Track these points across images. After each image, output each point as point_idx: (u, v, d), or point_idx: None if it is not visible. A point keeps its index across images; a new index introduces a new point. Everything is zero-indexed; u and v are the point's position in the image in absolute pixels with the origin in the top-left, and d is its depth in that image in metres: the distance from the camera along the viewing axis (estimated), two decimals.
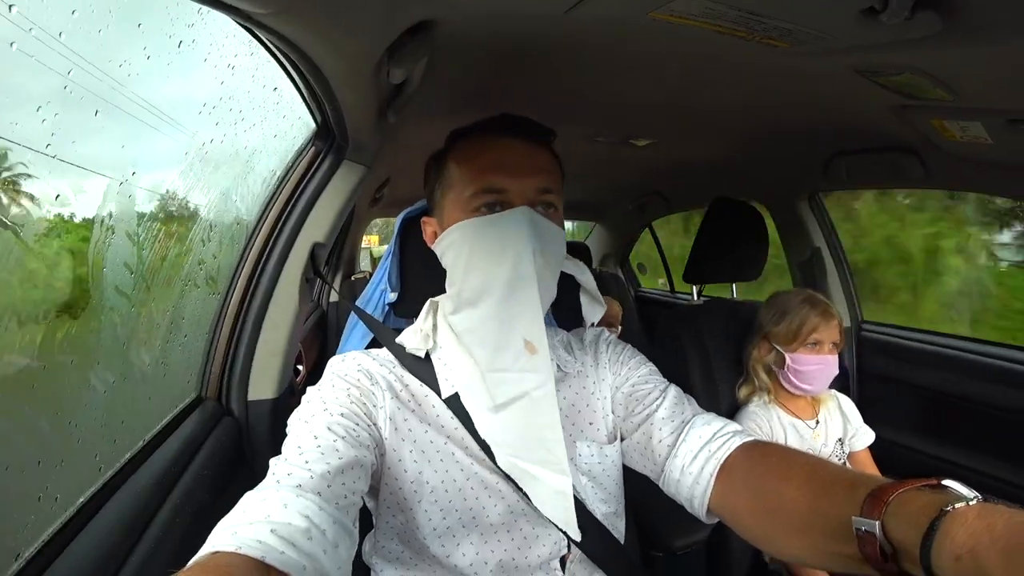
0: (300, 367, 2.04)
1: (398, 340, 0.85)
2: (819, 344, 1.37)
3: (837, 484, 0.58)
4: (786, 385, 1.40)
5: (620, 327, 2.45)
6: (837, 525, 0.53)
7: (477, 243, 0.76)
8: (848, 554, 0.51)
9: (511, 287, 0.74)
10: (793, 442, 1.40)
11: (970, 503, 0.43)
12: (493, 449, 0.76)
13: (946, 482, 0.47)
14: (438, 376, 0.81)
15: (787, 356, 1.37)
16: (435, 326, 0.85)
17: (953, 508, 0.43)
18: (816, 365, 1.37)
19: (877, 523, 0.48)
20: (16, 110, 0.57)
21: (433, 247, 0.84)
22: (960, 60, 0.79)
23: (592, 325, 0.95)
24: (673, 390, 0.86)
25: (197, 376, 1.18)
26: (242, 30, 0.63)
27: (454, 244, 0.78)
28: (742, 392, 1.49)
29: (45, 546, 0.63)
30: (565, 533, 0.77)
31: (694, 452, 0.75)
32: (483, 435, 0.77)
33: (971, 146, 1.21)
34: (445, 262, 0.82)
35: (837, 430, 1.47)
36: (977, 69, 0.82)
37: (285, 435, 0.68)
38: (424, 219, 0.87)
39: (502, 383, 0.76)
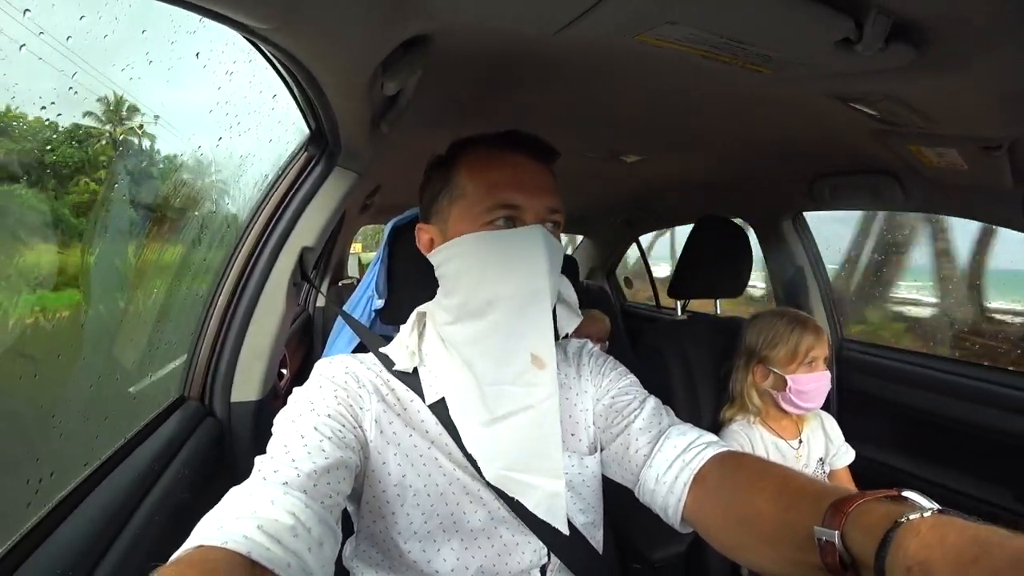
0: (284, 371, 2.04)
1: (385, 351, 0.84)
2: (815, 361, 1.39)
3: (805, 495, 0.59)
4: (786, 406, 1.41)
5: (608, 342, 2.46)
6: (802, 535, 0.54)
7: (490, 257, 0.77)
8: (813, 563, 0.52)
9: (524, 302, 0.76)
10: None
11: (924, 515, 0.44)
12: (480, 463, 0.77)
13: (906, 493, 0.48)
14: (423, 382, 0.82)
15: (788, 379, 1.38)
16: (420, 337, 0.86)
17: (908, 520, 0.44)
18: (816, 383, 1.38)
19: (837, 533, 0.49)
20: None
21: (430, 255, 0.84)
22: (934, 89, 0.82)
23: (566, 336, 0.96)
24: (652, 401, 0.87)
25: (180, 375, 1.18)
26: (240, 38, 0.64)
27: (461, 255, 0.79)
28: (727, 414, 1.49)
29: (24, 538, 0.63)
30: (544, 542, 0.79)
31: (669, 462, 0.77)
32: (470, 448, 0.77)
33: (948, 171, 1.24)
34: (444, 271, 0.82)
35: (819, 449, 1.48)
36: (950, 98, 0.85)
37: (267, 437, 0.68)
38: (420, 226, 0.86)
39: (502, 396, 0.77)
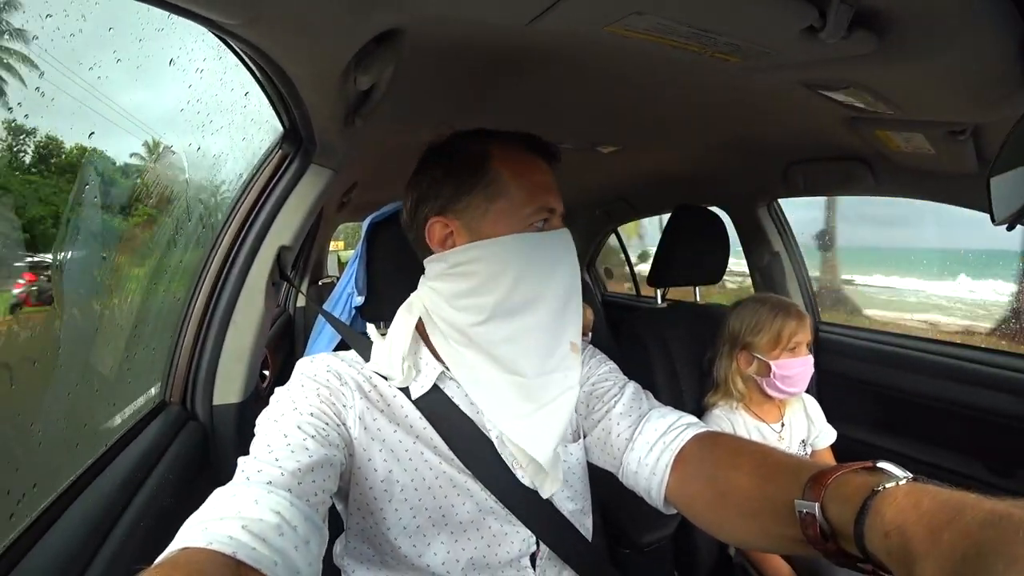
0: (266, 372, 2.03)
1: (375, 368, 0.82)
2: (798, 347, 1.41)
3: (783, 469, 0.61)
4: (770, 391, 1.42)
5: (591, 333, 2.48)
6: (782, 508, 0.56)
7: (533, 257, 0.79)
8: (793, 536, 0.54)
9: (565, 298, 0.80)
10: None
11: (900, 483, 0.46)
12: (531, 450, 0.78)
13: (881, 464, 0.50)
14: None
15: (772, 364, 1.40)
16: (418, 354, 0.84)
17: (884, 488, 0.45)
18: (800, 368, 1.40)
19: (816, 505, 0.51)
20: None
21: (450, 251, 0.81)
22: (898, 76, 0.84)
23: None
24: (631, 386, 0.89)
25: (160, 381, 1.17)
26: (210, 35, 0.64)
27: (503, 254, 0.78)
28: (711, 400, 1.51)
29: (8, 549, 0.63)
30: (532, 531, 0.80)
31: (650, 444, 0.79)
32: (518, 441, 0.78)
33: (915, 156, 1.27)
34: (472, 269, 0.79)
35: (801, 431, 1.51)
36: (914, 84, 0.87)
37: (250, 439, 0.68)
38: (436, 219, 0.82)
39: (547, 385, 0.79)
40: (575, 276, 0.82)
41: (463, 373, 0.81)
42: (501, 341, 0.79)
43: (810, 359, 1.42)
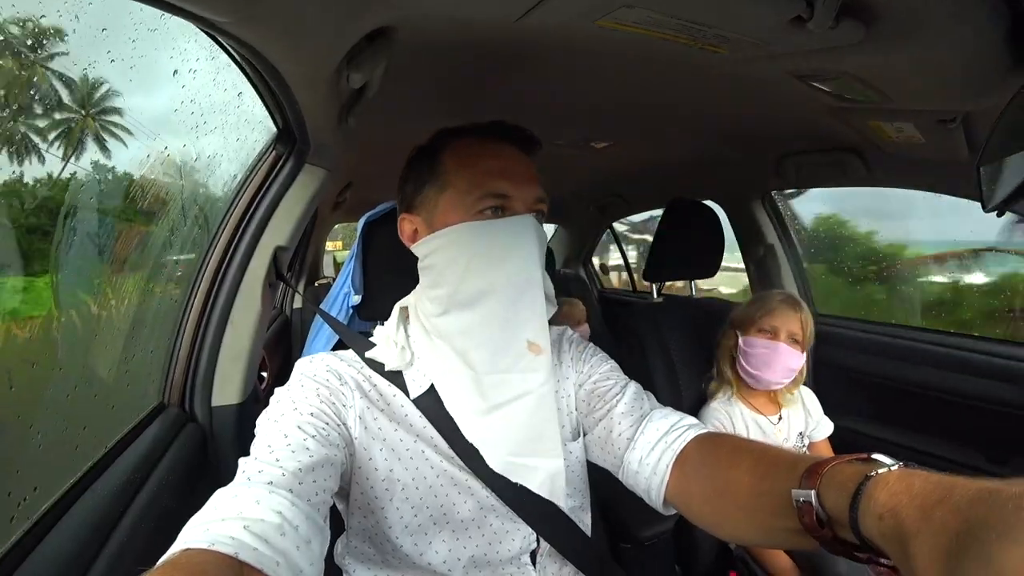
0: (263, 374, 2.03)
1: (372, 355, 0.83)
2: (774, 332, 1.41)
3: (780, 464, 0.61)
4: (741, 373, 1.44)
5: (587, 326, 2.49)
6: (780, 501, 0.56)
7: (481, 246, 0.77)
8: (791, 528, 0.54)
9: (519, 291, 0.77)
10: (755, 437, 1.43)
11: (892, 469, 0.47)
12: (483, 451, 0.77)
13: (875, 456, 0.51)
14: (406, 377, 0.82)
15: (740, 338, 1.42)
16: (406, 332, 0.85)
17: (877, 474, 0.46)
18: (763, 349, 1.40)
19: (813, 492, 0.51)
20: None
21: (414, 246, 0.83)
22: (887, 65, 0.85)
23: None
24: (633, 386, 0.89)
25: (158, 383, 1.17)
26: (202, 35, 0.64)
27: (450, 245, 0.78)
28: (711, 387, 1.52)
29: (9, 552, 0.63)
30: (533, 528, 0.80)
31: (651, 444, 0.78)
32: (470, 438, 0.78)
33: (906, 145, 1.28)
34: (431, 262, 0.81)
35: (799, 424, 1.52)
36: (903, 73, 0.88)
37: (250, 440, 0.68)
38: (404, 216, 0.85)
39: (501, 384, 0.78)
40: (532, 266, 0.78)
41: (431, 364, 0.82)
42: (456, 333, 0.80)
43: (782, 347, 1.40)
